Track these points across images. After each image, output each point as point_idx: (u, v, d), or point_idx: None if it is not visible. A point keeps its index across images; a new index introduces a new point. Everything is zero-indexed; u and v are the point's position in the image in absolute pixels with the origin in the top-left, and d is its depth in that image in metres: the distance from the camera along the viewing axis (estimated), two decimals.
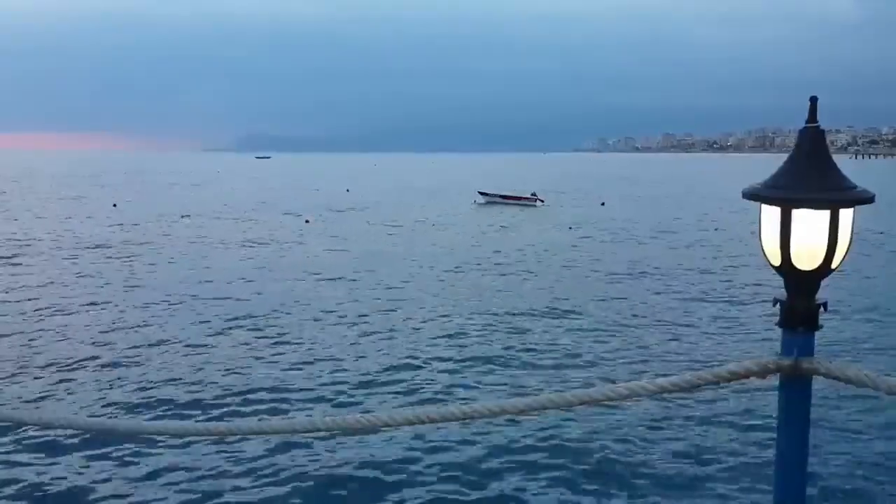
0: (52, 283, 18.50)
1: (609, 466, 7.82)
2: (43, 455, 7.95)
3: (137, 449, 7.93)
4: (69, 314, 14.88)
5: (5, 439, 8.22)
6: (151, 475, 7.52)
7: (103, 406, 9.61)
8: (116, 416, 9.18)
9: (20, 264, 21.49)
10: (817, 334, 1.69)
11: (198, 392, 10.14)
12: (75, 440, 8.12)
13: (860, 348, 12.25)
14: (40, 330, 13.54)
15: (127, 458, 7.83)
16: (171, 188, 65.72)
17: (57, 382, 10.57)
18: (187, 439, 7.94)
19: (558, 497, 7.26)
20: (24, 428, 8.23)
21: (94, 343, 12.63)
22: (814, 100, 1.68)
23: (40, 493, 7.24)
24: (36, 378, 10.73)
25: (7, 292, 17.18)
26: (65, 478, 7.52)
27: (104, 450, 7.95)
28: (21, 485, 7.34)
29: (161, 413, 9.33)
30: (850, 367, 1.66)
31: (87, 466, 7.71)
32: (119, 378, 10.73)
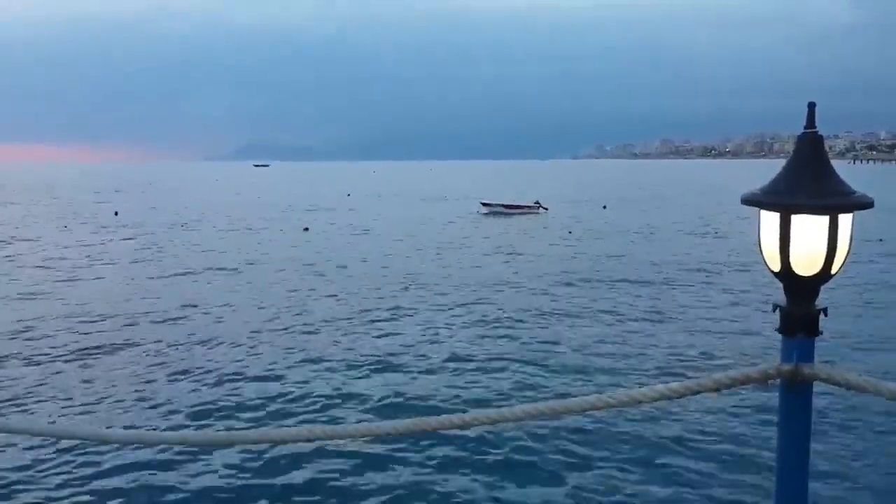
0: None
1: (608, 473, 7.81)
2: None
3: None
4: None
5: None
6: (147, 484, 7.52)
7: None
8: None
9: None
10: (817, 340, 1.69)
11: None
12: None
13: (861, 354, 12.23)
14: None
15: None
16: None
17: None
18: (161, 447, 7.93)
19: (554, 501, 7.25)
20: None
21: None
22: (812, 105, 1.68)
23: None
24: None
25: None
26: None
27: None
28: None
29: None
30: (850, 372, 1.65)
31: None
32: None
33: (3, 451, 8.19)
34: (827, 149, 1.70)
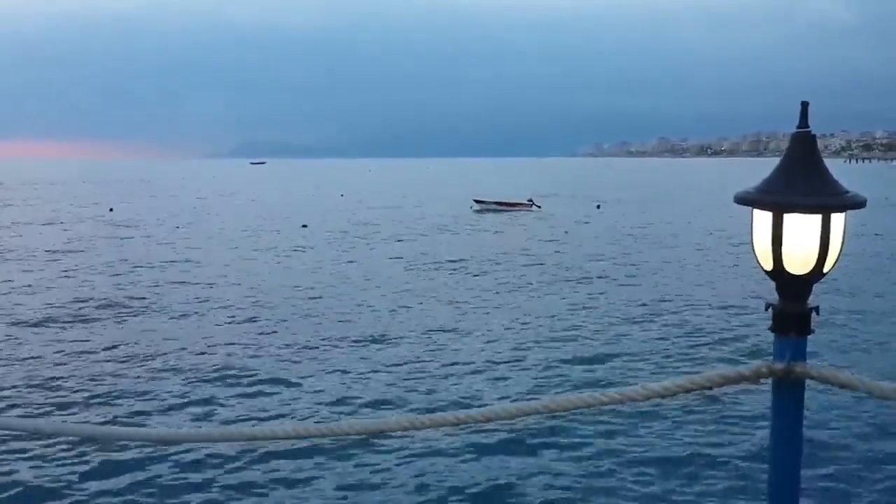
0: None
1: (601, 470, 7.82)
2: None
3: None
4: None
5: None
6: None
7: None
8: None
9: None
10: (809, 338, 1.69)
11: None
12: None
13: (852, 352, 12.27)
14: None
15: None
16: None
17: None
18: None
19: (546, 499, 7.26)
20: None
21: None
22: (805, 104, 1.68)
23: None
24: None
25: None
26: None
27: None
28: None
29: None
30: (842, 371, 1.65)
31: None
32: None
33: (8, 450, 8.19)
34: (822, 148, 1.70)
